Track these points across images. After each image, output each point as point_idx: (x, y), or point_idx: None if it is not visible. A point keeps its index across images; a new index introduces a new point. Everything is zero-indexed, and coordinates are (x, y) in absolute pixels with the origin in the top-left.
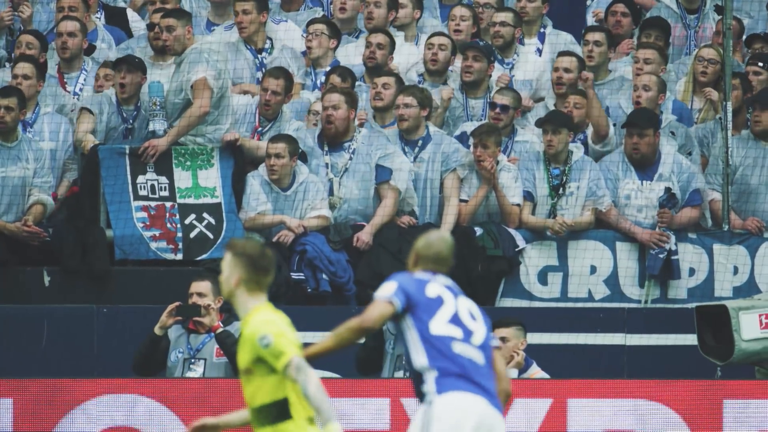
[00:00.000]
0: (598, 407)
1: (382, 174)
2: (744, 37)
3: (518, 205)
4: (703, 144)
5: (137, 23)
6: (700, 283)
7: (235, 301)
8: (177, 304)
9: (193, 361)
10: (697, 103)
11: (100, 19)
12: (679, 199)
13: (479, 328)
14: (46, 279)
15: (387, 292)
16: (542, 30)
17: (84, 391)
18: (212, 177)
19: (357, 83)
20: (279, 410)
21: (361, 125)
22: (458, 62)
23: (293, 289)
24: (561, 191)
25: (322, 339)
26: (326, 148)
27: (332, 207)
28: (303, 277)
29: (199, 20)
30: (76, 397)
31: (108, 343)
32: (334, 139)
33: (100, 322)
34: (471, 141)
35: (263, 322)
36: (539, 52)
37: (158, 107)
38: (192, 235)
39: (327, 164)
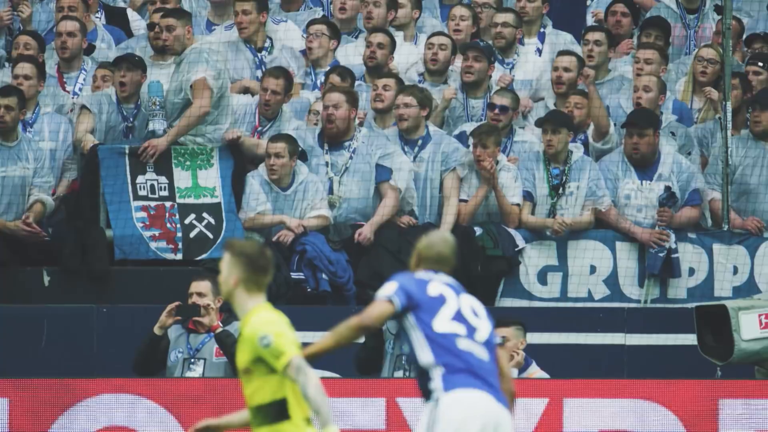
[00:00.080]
0: (593, 407)
1: (382, 174)
2: (744, 36)
3: (518, 204)
4: (703, 144)
5: (137, 22)
6: (699, 283)
7: (234, 302)
8: (176, 303)
9: (192, 360)
10: (697, 103)
11: (100, 18)
12: (679, 198)
13: (483, 325)
14: (46, 279)
15: (387, 292)
16: (542, 30)
17: (80, 391)
18: (212, 177)
19: (357, 82)
20: (277, 410)
21: (361, 124)
22: (458, 62)
23: (293, 288)
24: (561, 191)
25: (321, 338)
26: (326, 147)
27: (331, 205)
28: (303, 277)
29: (199, 20)
30: (73, 397)
31: (108, 343)
32: (335, 138)
33: (99, 321)
34: (470, 141)
35: (263, 322)
36: (539, 51)
37: (158, 107)
38: (192, 234)
39: (327, 163)
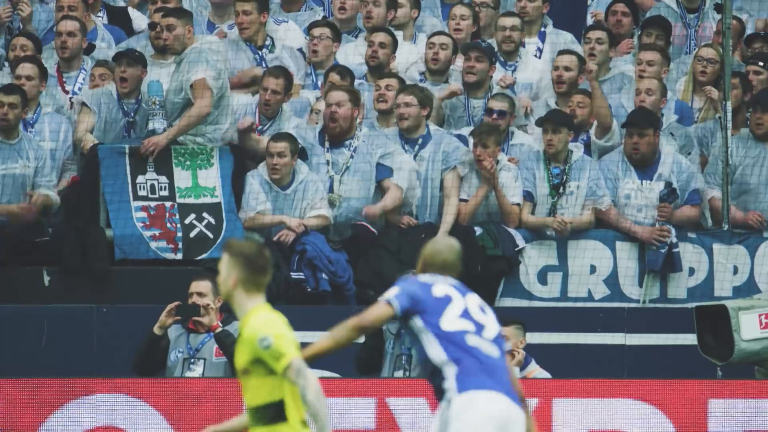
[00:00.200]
0: (583, 407)
1: (383, 173)
2: (746, 35)
3: (518, 204)
4: (703, 143)
5: (138, 21)
6: (699, 283)
7: (233, 302)
8: (176, 303)
9: (192, 360)
10: (697, 103)
11: (102, 18)
12: (679, 195)
13: (491, 323)
14: (46, 279)
15: (388, 295)
16: (543, 29)
17: (80, 390)
18: (212, 177)
19: (358, 81)
20: (275, 412)
21: (360, 123)
22: (459, 61)
23: (293, 288)
24: (561, 190)
25: (320, 338)
26: (327, 146)
27: (331, 204)
28: (303, 277)
29: (200, 20)
30: (72, 396)
31: (108, 343)
32: (337, 137)
33: (99, 321)
34: (471, 141)
35: (263, 323)
36: (540, 51)
37: (157, 106)
38: (192, 234)
39: (328, 162)
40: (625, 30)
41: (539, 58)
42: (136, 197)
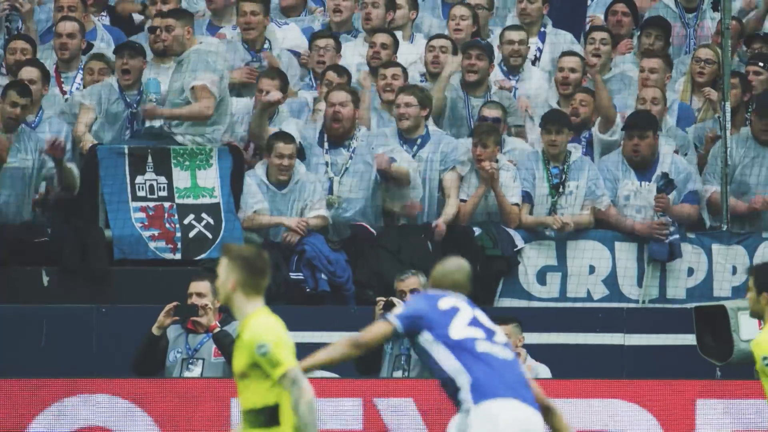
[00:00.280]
0: (582, 407)
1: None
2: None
3: (517, 204)
4: (702, 143)
5: (140, 17)
6: (698, 283)
7: (232, 305)
8: (174, 304)
9: (191, 361)
10: (696, 103)
11: (105, 17)
12: (677, 186)
13: (500, 330)
14: (45, 279)
15: (393, 313)
16: (542, 29)
17: (79, 390)
18: (211, 177)
19: (353, 81)
20: (269, 416)
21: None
22: (457, 75)
23: (292, 289)
24: (561, 190)
25: (319, 350)
26: (326, 147)
27: (330, 205)
28: (302, 277)
29: (201, 21)
30: (72, 396)
31: (107, 343)
32: (339, 137)
33: (99, 322)
34: (470, 141)
35: (262, 329)
36: (539, 51)
37: (155, 103)
38: (191, 235)
39: (327, 163)
40: (625, 30)
41: (539, 58)
42: (135, 197)
